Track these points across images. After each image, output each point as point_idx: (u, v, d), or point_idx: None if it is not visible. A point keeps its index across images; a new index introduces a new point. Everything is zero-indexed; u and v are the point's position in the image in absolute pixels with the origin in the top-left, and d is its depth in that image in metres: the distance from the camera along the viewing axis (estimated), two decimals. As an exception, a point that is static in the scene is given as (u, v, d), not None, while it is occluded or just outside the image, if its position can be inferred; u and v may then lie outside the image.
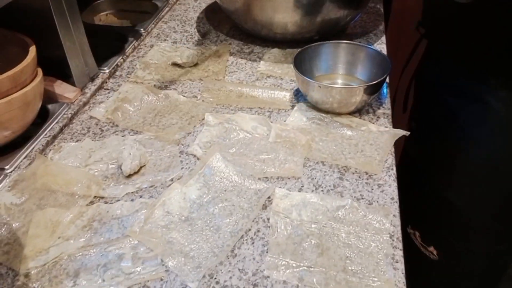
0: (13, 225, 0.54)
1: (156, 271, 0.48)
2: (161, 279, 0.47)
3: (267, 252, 0.49)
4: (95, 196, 0.57)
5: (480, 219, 0.77)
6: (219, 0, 0.90)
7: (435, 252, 0.82)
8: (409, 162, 0.88)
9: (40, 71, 0.66)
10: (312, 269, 0.47)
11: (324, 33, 0.88)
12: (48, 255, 0.50)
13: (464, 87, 0.69)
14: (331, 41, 0.76)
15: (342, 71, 0.76)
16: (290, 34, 0.86)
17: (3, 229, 0.53)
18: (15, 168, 0.61)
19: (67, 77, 0.75)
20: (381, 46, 0.88)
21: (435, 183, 0.81)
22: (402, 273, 0.46)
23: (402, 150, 0.93)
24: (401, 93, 0.90)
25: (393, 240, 0.50)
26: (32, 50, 0.63)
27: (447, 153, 0.77)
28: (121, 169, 0.60)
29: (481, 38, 0.64)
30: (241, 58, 0.87)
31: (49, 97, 0.72)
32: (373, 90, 0.66)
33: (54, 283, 0.47)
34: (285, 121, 0.69)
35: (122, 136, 0.67)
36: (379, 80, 0.65)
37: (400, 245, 0.49)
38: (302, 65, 0.74)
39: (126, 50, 0.88)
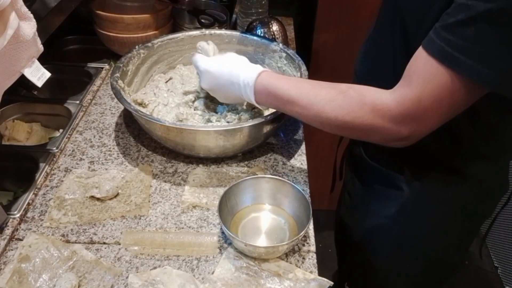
0: None
1: None
2: None
3: None
4: None
5: (403, 282, 0.87)
6: (139, 119, 0.86)
7: None
8: (343, 228, 0.97)
9: None
10: None
11: (248, 150, 0.89)
12: None
13: (385, 175, 0.78)
14: (253, 176, 0.77)
15: (268, 201, 0.78)
16: (214, 154, 0.86)
17: None
18: None
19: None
20: (301, 158, 0.91)
21: (364, 249, 0.89)
22: None
23: (337, 214, 1.04)
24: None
25: None
26: None
27: (372, 224, 0.85)
28: None
29: None
30: (165, 181, 0.84)
31: None
32: (298, 241, 0.68)
33: None
34: (213, 273, 0.68)
35: (38, 312, 0.62)
36: (302, 232, 0.67)
37: None
38: (227, 202, 0.75)
39: (38, 181, 0.82)
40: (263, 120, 0.80)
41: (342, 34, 1.41)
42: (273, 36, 1.15)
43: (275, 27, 1.16)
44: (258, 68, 0.74)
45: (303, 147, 0.94)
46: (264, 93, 0.72)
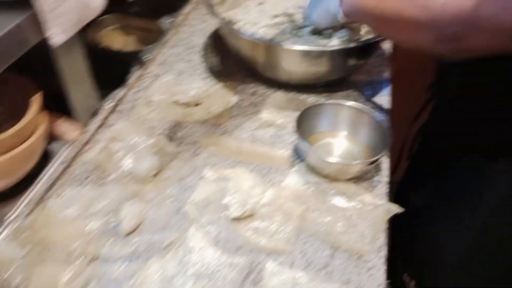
0: (12, 282, 0.55)
1: None
2: None
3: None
4: (92, 257, 0.59)
5: (471, 276, 0.80)
6: (227, 35, 0.88)
7: None
8: (407, 210, 0.91)
9: (45, 117, 0.66)
10: None
11: (330, 81, 0.88)
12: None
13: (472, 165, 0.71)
14: (334, 101, 0.77)
15: (345, 130, 0.77)
16: (294, 80, 0.86)
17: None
18: (15, 217, 0.62)
19: (67, 112, 0.74)
20: (384, 98, 0.88)
21: (430, 234, 0.83)
22: None
23: (396, 193, 0.96)
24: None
25: (375, 333, 0.52)
26: (37, 99, 0.63)
27: (442, 207, 0.80)
28: (119, 227, 0.62)
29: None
30: (244, 99, 0.87)
31: (50, 137, 0.72)
32: (370, 165, 0.68)
33: None
34: (282, 181, 0.70)
35: (122, 185, 0.68)
36: (378, 156, 0.66)
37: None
38: (305, 122, 0.75)
39: (129, 82, 0.88)
40: (350, 46, 0.79)
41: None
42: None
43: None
44: None
45: (388, 88, 0.91)
46: None
